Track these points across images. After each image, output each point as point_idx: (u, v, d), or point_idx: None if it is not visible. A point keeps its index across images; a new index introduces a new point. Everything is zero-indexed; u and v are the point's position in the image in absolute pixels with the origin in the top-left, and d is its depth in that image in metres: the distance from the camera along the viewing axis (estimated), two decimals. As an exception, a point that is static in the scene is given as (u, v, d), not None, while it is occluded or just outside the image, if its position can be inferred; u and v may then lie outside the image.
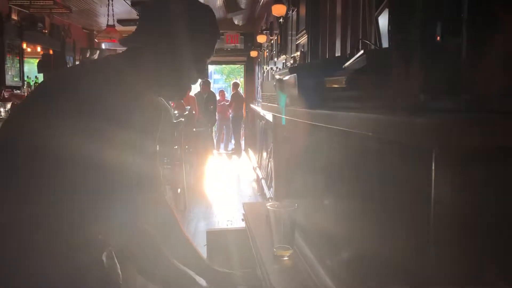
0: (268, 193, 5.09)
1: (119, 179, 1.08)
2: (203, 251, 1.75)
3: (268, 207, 1.27)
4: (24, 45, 6.95)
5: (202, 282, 1.32)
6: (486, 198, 0.53)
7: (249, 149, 10.19)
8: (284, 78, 1.38)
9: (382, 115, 0.65)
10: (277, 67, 6.01)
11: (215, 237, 1.83)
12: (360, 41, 1.91)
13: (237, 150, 10.69)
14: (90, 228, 1.08)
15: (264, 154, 6.43)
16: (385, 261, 0.82)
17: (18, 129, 1.12)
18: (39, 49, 7.65)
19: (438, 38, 0.78)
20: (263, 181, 5.92)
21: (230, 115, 10.80)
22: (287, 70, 1.34)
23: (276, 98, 1.48)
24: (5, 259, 1.07)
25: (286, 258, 1.25)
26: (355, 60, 1.01)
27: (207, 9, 1.22)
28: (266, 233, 1.38)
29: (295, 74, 1.23)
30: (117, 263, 1.30)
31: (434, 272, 0.59)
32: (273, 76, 5.21)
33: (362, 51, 0.98)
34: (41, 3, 5.88)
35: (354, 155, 0.92)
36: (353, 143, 0.90)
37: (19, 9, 6.37)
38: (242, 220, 1.78)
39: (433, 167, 0.57)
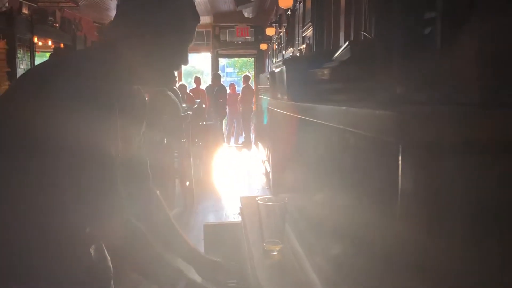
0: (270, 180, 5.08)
1: (102, 169, 1.07)
2: (201, 245, 1.76)
3: (258, 201, 1.26)
4: (35, 39, 7.01)
5: (191, 275, 1.32)
6: (450, 191, 0.51)
7: (259, 142, 10.18)
8: (275, 71, 1.36)
9: (353, 108, 0.64)
10: (279, 60, 5.97)
11: (212, 230, 1.82)
12: (360, 32, 1.88)
13: (247, 144, 10.69)
14: (74, 220, 1.07)
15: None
16: (367, 258, 0.80)
17: None
18: (50, 42, 7.71)
19: (419, 30, 0.75)
20: (271, 175, 5.90)
21: (240, 109, 10.79)
22: (281, 62, 1.32)
23: (270, 90, 1.47)
24: None
25: (275, 253, 1.24)
26: (341, 52, 0.99)
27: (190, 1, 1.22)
28: (259, 228, 1.37)
29: (285, 66, 1.21)
30: (108, 256, 1.31)
31: (403, 262, 0.57)
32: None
33: (347, 43, 0.96)
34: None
35: (335, 149, 0.90)
36: (334, 137, 0.89)
37: (29, 3, 6.41)
38: (239, 214, 1.77)
39: (399, 161, 0.55)
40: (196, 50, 11.53)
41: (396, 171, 0.57)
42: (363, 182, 0.79)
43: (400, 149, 0.55)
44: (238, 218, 1.80)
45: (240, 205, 1.75)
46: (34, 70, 1.40)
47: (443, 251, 0.53)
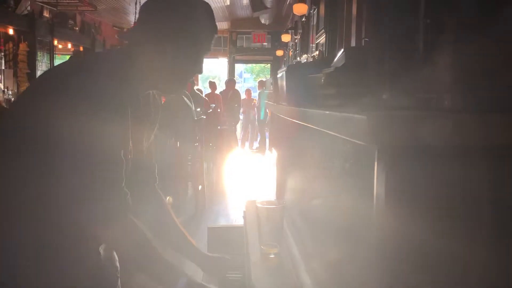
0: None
1: (109, 170, 1.10)
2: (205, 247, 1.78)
3: (257, 204, 1.27)
4: (55, 42, 7.16)
5: (192, 273, 1.34)
6: (422, 195, 0.52)
7: (273, 148, 10.18)
8: (278, 76, 1.38)
9: (334, 112, 0.65)
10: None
11: (216, 233, 1.84)
12: (363, 40, 1.88)
13: (261, 149, 10.70)
14: (82, 219, 1.10)
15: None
16: (358, 264, 0.81)
17: (14, 118, 1.16)
18: (69, 45, 7.87)
19: (407, 36, 0.76)
20: (275, 178, 5.89)
21: (255, 114, 10.81)
22: (284, 68, 1.34)
23: (273, 95, 1.49)
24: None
25: (272, 256, 1.25)
26: (338, 58, 1.00)
27: (205, 5, 1.23)
28: (259, 230, 1.39)
29: (284, 71, 1.23)
30: (116, 257, 1.34)
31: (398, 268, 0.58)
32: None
33: (342, 49, 0.97)
34: (68, 1, 6.04)
35: (327, 153, 0.92)
36: (325, 141, 0.90)
37: (50, 7, 6.56)
38: (243, 217, 1.79)
39: (375, 165, 0.56)
40: (213, 55, 11.62)
41: (372, 173, 0.59)
42: (355, 187, 0.80)
43: (376, 153, 0.56)
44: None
45: (244, 209, 1.77)
46: (52, 70, 1.44)
47: (428, 254, 0.54)
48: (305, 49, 5.22)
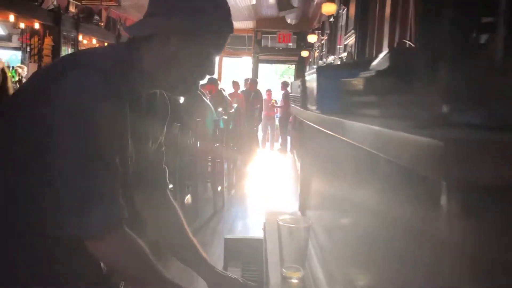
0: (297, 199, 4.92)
1: (99, 179, 0.98)
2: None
3: (279, 222, 1.14)
4: (80, 37, 7.17)
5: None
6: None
7: (294, 150, 10.04)
8: (307, 78, 1.25)
9: (386, 128, 0.51)
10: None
11: (233, 244, 1.73)
12: (403, 41, 1.73)
13: (282, 150, 10.56)
14: (72, 232, 0.99)
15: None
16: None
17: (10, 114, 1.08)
18: (94, 41, 7.88)
19: (472, 37, 0.62)
20: (299, 190, 5.76)
21: (276, 114, 10.68)
22: (314, 70, 1.21)
23: (300, 100, 1.35)
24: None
25: (294, 281, 1.12)
26: (379, 60, 0.86)
27: (222, 5, 1.11)
28: (280, 249, 1.26)
29: (317, 74, 1.10)
30: None
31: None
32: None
33: (386, 50, 0.83)
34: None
35: (366, 172, 0.78)
36: (365, 158, 0.76)
37: (76, 2, 6.57)
38: (262, 229, 1.66)
39: (441, 201, 0.43)
40: (237, 54, 11.53)
41: (436, 210, 0.45)
42: (397, 214, 0.67)
43: (444, 188, 0.43)
44: (262, 233, 1.69)
45: (264, 220, 1.64)
46: (51, 64, 1.36)
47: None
48: (332, 50, 5.06)
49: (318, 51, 7.68)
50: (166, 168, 1.35)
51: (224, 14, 1.10)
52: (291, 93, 1.81)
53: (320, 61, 6.92)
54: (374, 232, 0.82)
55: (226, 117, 5.87)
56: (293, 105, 1.58)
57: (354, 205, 0.94)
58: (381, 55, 0.85)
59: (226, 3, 1.12)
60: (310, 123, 1.11)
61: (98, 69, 1.00)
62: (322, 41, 6.88)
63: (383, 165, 0.69)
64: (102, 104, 0.96)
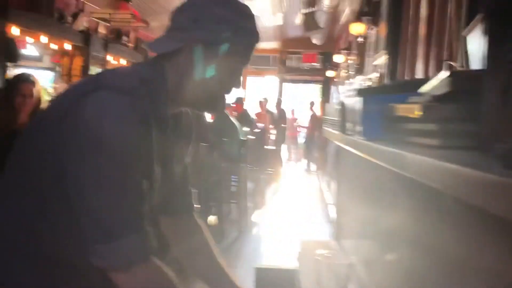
0: (332, 226, 4.79)
1: (124, 207, 0.93)
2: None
3: (317, 256, 1.06)
4: (109, 57, 7.28)
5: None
6: None
7: (319, 171, 9.91)
8: (348, 102, 1.18)
9: (464, 167, 0.44)
10: (350, 89, 5.74)
11: (265, 275, 1.64)
12: (444, 62, 1.65)
13: (307, 171, 10.43)
14: (96, 263, 0.93)
15: (334, 179, 6.13)
16: None
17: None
18: (123, 61, 7.99)
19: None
20: (330, 208, 5.63)
21: (299, 134, 10.60)
22: (355, 92, 1.14)
23: (339, 124, 1.28)
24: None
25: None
26: (436, 83, 0.79)
27: (247, 13, 1.06)
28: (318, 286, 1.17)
29: (361, 98, 1.03)
30: None
31: None
32: (338, 99, 4.92)
33: (446, 73, 0.76)
34: (120, 17, 6.14)
35: (424, 209, 0.70)
36: (425, 195, 0.69)
37: (104, 23, 6.70)
38: (297, 259, 1.58)
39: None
40: (261, 74, 11.55)
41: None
42: (460, 262, 0.59)
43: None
44: (294, 262, 1.61)
45: (299, 250, 1.56)
46: (75, 85, 1.31)
47: None
48: (360, 70, 4.99)
49: (345, 71, 7.61)
50: (191, 189, 1.30)
51: (250, 23, 1.06)
52: (325, 115, 1.74)
53: (346, 82, 6.85)
54: (427, 272, 0.74)
55: (251, 137, 5.82)
56: (328, 129, 1.51)
57: (405, 240, 0.86)
58: (440, 77, 0.78)
59: (251, 12, 1.08)
60: (353, 150, 1.04)
61: (123, 90, 0.95)
62: (349, 61, 6.82)
63: (449, 203, 0.61)
64: (128, 129, 0.91)
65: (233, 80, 1.07)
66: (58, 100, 1.09)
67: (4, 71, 4.58)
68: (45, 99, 3.37)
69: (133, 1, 6.55)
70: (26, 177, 1.00)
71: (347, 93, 1.19)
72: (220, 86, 1.06)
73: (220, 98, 1.09)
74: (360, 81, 4.97)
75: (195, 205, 1.31)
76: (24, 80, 2.94)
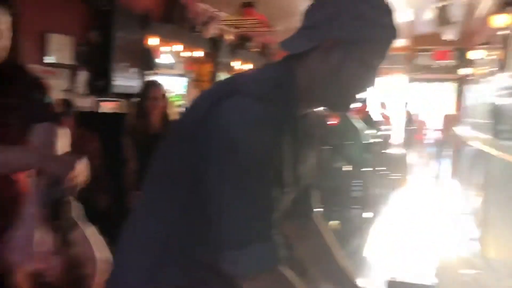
0: (475, 241, 4.30)
1: (256, 216, 0.92)
2: None
3: (464, 276, 0.92)
4: (236, 63, 7.58)
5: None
6: None
7: (452, 177, 9.13)
8: (502, 102, 1.01)
9: None
10: (495, 88, 5.16)
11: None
12: None
13: (437, 177, 9.71)
14: (225, 268, 0.94)
15: (473, 188, 5.56)
16: None
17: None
18: (248, 66, 8.26)
19: None
20: (467, 219, 5.11)
21: (427, 137, 9.92)
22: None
23: (489, 127, 1.11)
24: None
25: None
26: None
27: (386, 9, 1.00)
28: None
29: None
30: None
31: None
32: (486, 99, 4.42)
33: None
34: (248, 23, 6.35)
35: None
36: None
37: (231, 30, 7.00)
38: (434, 276, 1.42)
39: None
40: (388, 73, 11.09)
41: None
42: None
43: None
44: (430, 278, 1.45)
45: (437, 265, 1.40)
46: (209, 90, 1.33)
47: None
48: (503, 67, 4.46)
49: (483, 68, 6.92)
50: (313, 192, 1.27)
51: (389, 19, 1.00)
52: (463, 116, 1.54)
53: (485, 79, 6.21)
54: None
55: (376, 140, 5.59)
56: (470, 132, 1.32)
57: None
58: None
59: (390, 7, 1.01)
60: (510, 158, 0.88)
61: (258, 96, 0.94)
62: (488, 57, 6.18)
63: None
64: (263, 136, 0.90)
65: (368, 79, 1.02)
66: (192, 107, 1.11)
67: (142, 79, 5.03)
68: (177, 104, 3.62)
69: (259, 7, 6.73)
70: (167, 183, 1.04)
71: (500, 92, 1.03)
72: (354, 85, 1.02)
73: (353, 97, 1.05)
74: (508, 78, 4.44)
75: (318, 208, 1.29)
76: (152, 85, 3.25)
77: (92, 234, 1.57)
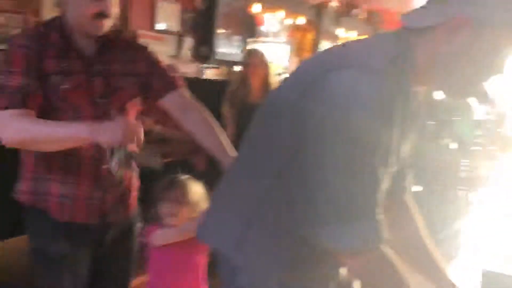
0: None
1: (362, 193, 0.90)
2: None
3: None
4: (340, 31, 7.36)
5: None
6: None
7: None
8: None
9: None
10: None
11: (493, 281, 1.42)
12: None
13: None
14: (324, 243, 0.94)
15: None
16: None
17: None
18: (355, 35, 7.97)
19: None
20: None
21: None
22: None
23: None
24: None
25: None
26: None
27: None
28: None
29: None
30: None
31: None
32: None
33: None
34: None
35: None
36: None
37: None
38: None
39: None
40: None
41: None
42: None
43: None
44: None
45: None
46: (314, 59, 1.21)
47: None
48: None
49: None
50: (408, 172, 1.22)
51: None
52: None
53: None
54: None
55: (489, 117, 5.15)
56: None
57: None
58: None
59: None
60: None
61: (372, 70, 0.88)
62: None
63: None
64: (374, 113, 0.86)
65: (496, 67, 0.92)
66: (294, 77, 1.08)
67: (245, 46, 5.09)
68: (278, 73, 3.61)
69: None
70: (262, 149, 1.03)
71: None
72: (480, 72, 0.93)
73: (476, 85, 0.96)
74: None
75: (416, 188, 1.24)
76: (252, 53, 3.27)
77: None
